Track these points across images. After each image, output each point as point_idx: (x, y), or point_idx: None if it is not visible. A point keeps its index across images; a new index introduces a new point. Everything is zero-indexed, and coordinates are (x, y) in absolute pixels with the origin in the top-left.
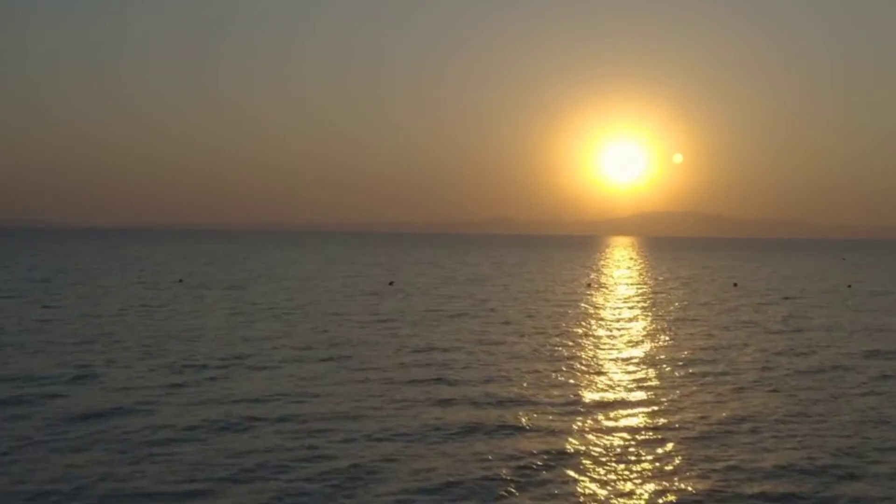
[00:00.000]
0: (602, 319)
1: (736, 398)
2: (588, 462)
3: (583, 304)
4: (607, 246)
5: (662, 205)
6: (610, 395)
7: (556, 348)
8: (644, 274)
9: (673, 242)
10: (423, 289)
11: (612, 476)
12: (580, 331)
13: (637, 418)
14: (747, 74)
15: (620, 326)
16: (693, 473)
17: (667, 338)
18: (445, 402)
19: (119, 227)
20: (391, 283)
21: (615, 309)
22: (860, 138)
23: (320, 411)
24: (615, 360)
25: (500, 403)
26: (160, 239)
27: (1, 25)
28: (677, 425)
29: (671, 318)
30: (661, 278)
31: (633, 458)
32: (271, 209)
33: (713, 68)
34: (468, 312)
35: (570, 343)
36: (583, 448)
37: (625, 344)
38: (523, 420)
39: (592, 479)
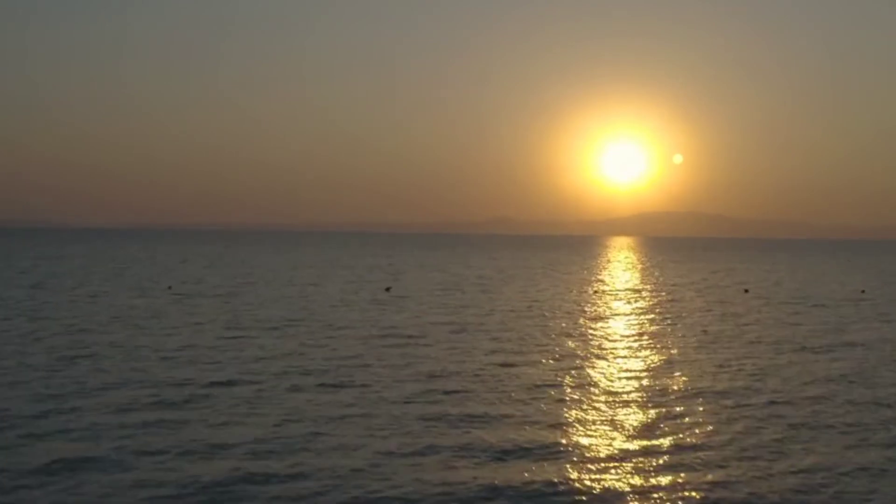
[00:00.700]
0: (621, 339)
1: (810, 448)
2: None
3: (595, 315)
4: (608, 247)
5: (663, 205)
6: (646, 442)
7: (581, 373)
8: (653, 280)
9: (673, 242)
10: (423, 296)
11: None
12: (596, 351)
13: (693, 472)
14: (747, 74)
15: (642, 346)
16: None
17: (703, 361)
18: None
19: (119, 227)
20: (388, 290)
21: (633, 323)
22: (860, 138)
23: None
24: (646, 389)
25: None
26: (160, 239)
27: (1, 25)
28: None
29: (696, 336)
30: (672, 284)
31: None
32: (271, 209)
33: (713, 68)
34: (472, 323)
35: (593, 369)
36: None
37: (658, 373)
38: (571, 470)
39: None
